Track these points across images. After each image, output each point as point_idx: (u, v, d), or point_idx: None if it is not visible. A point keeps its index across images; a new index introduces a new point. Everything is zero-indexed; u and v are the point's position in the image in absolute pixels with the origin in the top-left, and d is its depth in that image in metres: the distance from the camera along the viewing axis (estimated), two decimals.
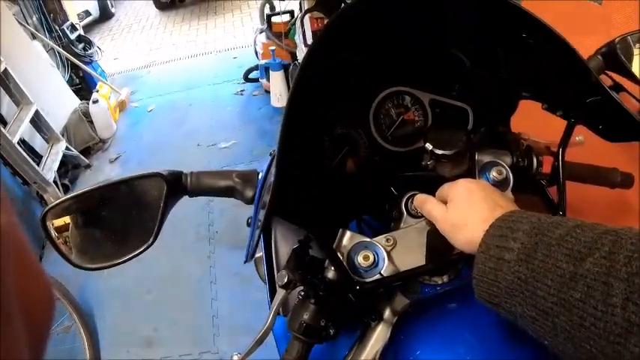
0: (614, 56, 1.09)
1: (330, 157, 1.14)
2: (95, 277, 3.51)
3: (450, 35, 1.08)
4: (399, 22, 1.03)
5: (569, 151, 1.02)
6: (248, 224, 0.98)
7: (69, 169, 5.08)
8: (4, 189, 0.38)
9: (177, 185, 1.00)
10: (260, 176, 1.12)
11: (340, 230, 0.93)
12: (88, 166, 5.21)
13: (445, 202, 0.86)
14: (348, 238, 0.91)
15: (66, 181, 4.80)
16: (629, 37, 1.10)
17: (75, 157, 5.08)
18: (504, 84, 1.14)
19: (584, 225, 0.63)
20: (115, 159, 5.28)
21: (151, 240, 0.91)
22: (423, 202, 0.90)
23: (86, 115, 5.48)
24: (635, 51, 1.11)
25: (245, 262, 0.99)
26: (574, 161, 1.15)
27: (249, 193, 1.06)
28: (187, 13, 10.36)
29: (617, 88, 1.49)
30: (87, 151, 5.39)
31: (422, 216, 0.93)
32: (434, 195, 0.91)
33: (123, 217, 0.94)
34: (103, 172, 5.10)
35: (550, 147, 1.13)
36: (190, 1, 10.01)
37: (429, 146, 0.98)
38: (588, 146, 1.14)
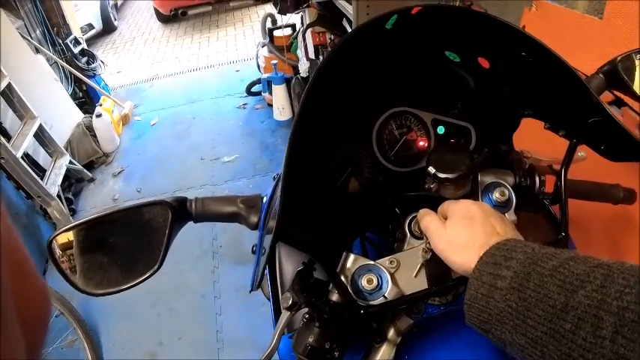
0: (615, 74, 1.09)
1: (334, 178, 1.15)
2: None
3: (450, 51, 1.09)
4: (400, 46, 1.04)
5: (571, 167, 1.03)
6: (253, 252, 0.98)
7: (72, 182, 5.09)
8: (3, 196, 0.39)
9: (182, 212, 1.00)
10: (264, 201, 1.12)
11: (344, 253, 0.92)
12: (92, 180, 5.20)
13: (445, 219, 0.86)
14: (351, 261, 0.91)
15: (69, 195, 4.80)
16: (631, 54, 1.11)
17: (78, 171, 5.08)
18: (506, 103, 1.14)
19: (578, 258, 0.64)
20: (119, 173, 5.28)
21: (157, 266, 0.91)
22: (423, 215, 0.91)
23: (89, 129, 5.50)
24: (638, 68, 1.11)
25: (250, 291, 0.98)
26: (576, 179, 1.16)
27: (253, 218, 1.06)
28: (190, 26, 10.42)
29: (619, 103, 1.50)
30: (90, 165, 5.39)
31: (425, 237, 0.93)
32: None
33: (129, 243, 0.95)
34: (106, 186, 5.10)
35: (552, 165, 1.13)
36: (193, 15, 10.03)
37: (431, 170, 0.98)
38: (590, 161, 1.14)
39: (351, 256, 0.92)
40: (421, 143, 1.20)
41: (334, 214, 1.13)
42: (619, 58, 1.09)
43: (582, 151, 1.08)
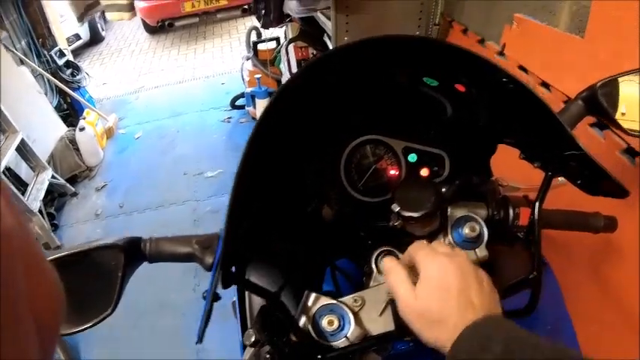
0: (595, 101, 1.06)
1: (304, 205, 1.12)
2: None
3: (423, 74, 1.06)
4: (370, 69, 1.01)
5: (552, 192, 0.99)
6: (203, 297, 0.94)
7: (55, 197, 5.05)
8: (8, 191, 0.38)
9: (135, 253, 0.97)
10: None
11: (305, 292, 0.89)
12: (75, 195, 5.16)
13: (412, 266, 0.82)
14: (312, 301, 0.88)
15: (52, 210, 4.77)
16: (611, 80, 1.08)
17: (61, 186, 5.04)
18: (482, 129, 1.11)
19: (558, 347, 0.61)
20: (102, 187, 5.24)
21: (110, 310, 0.88)
22: (389, 271, 0.84)
23: (73, 142, 5.46)
24: (620, 94, 1.08)
25: (196, 343, 0.93)
26: (553, 208, 1.12)
27: (209, 259, 1.01)
28: (177, 37, 10.40)
29: (602, 125, 1.47)
30: (73, 179, 5.34)
31: None
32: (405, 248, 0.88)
33: (81, 286, 0.91)
34: (89, 201, 5.06)
35: (528, 196, 1.09)
36: (180, 26, 10.00)
37: (395, 207, 0.94)
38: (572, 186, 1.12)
39: (312, 296, 0.88)
40: (392, 172, 1.17)
41: (307, 240, 1.11)
42: (599, 84, 1.06)
43: (562, 177, 1.05)
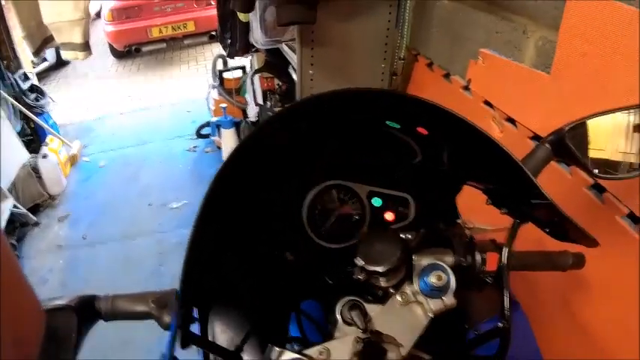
0: (563, 145, 1.05)
1: (264, 254, 1.09)
2: None
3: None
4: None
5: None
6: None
7: (16, 226, 4.89)
8: None
9: (89, 313, 0.92)
10: None
11: (268, 346, 0.86)
12: (37, 224, 5.03)
13: None
14: (276, 356, 0.84)
15: (13, 241, 4.64)
16: (579, 123, 1.06)
17: (23, 215, 4.90)
18: (447, 173, 1.10)
19: None
20: (64, 217, 5.13)
21: None
22: None
23: (35, 170, 5.31)
24: (589, 138, 1.07)
25: None
26: (522, 251, 1.10)
27: (166, 318, 0.97)
28: (144, 62, 10.32)
29: (568, 163, 1.47)
30: (35, 208, 5.21)
31: (356, 325, 0.87)
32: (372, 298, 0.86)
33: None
34: (51, 231, 4.94)
35: (496, 240, 1.08)
36: (147, 51, 9.96)
37: (359, 261, 0.92)
38: None
39: (275, 350, 0.84)
40: (356, 217, 1.15)
41: (272, 284, 1.10)
42: (567, 128, 1.04)
43: None
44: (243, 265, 1.10)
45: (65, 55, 3.64)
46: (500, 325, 0.94)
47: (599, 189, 1.39)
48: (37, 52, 4.06)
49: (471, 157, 1.00)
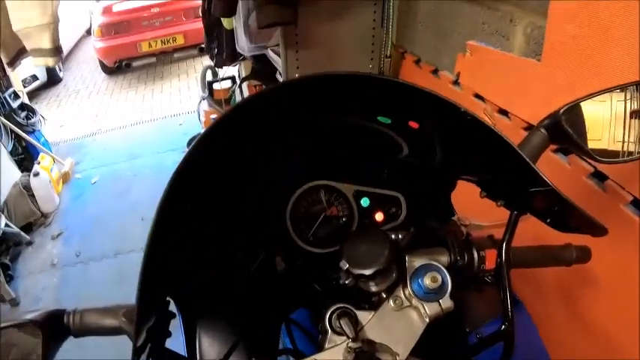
0: (559, 128, 0.97)
1: (247, 263, 1.03)
2: None
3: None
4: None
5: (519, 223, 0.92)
6: None
7: (10, 246, 4.85)
8: None
9: (57, 329, 0.86)
10: None
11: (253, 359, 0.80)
12: (30, 243, 4.99)
13: None
14: None
15: (6, 260, 4.59)
16: (575, 105, 0.99)
17: (15, 234, 4.84)
18: (439, 167, 1.03)
19: None
20: (58, 235, 5.09)
21: None
22: None
23: (27, 188, 5.27)
24: (585, 119, 1.00)
25: None
26: (522, 246, 1.03)
27: None
28: (134, 77, 10.29)
29: (567, 151, 1.41)
30: (28, 227, 5.17)
31: (346, 334, 0.80)
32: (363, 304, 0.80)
33: None
34: (45, 250, 4.90)
35: (494, 236, 1.01)
36: (137, 66, 9.94)
37: (344, 265, 0.85)
38: None
39: None
40: (344, 219, 1.08)
41: (257, 296, 1.03)
42: (562, 110, 0.98)
43: None
44: (228, 273, 1.04)
45: (35, 62, 3.57)
46: (503, 327, 0.88)
47: (600, 177, 1.32)
48: (12, 62, 3.98)
49: (465, 147, 0.93)
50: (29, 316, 0.81)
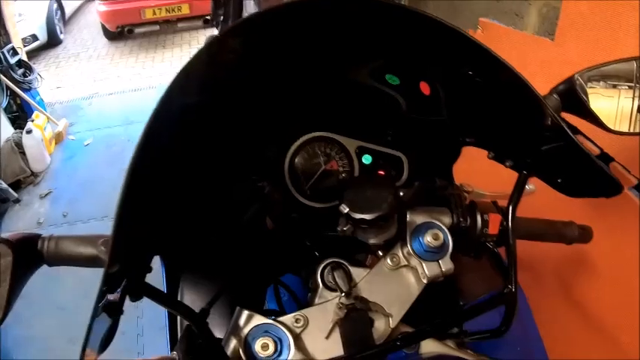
0: (573, 95, 0.94)
1: (238, 214, 0.98)
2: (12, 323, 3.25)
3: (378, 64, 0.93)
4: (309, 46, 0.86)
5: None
6: None
7: None
8: None
9: (29, 253, 0.80)
10: None
11: (237, 309, 0.76)
12: (17, 201, 4.92)
13: None
14: (244, 320, 0.74)
15: None
16: (590, 71, 0.95)
17: (4, 191, 4.78)
18: (445, 129, 0.99)
19: None
20: (46, 194, 5.03)
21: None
22: None
23: (19, 145, 5.21)
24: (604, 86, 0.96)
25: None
26: (524, 216, 1.00)
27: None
28: (136, 45, 10.18)
29: (573, 130, 1.37)
30: (17, 185, 5.10)
31: (339, 289, 0.76)
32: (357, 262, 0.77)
33: None
34: (32, 208, 4.85)
35: (497, 202, 0.97)
36: (140, 33, 9.83)
37: (344, 208, 0.81)
38: (541, 194, 1.00)
39: (244, 314, 0.74)
40: (343, 175, 1.04)
41: (247, 251, 0.99)
42: (576, 76, 0.94)
43: (531, 184, 0.93)
44: (218, 223, 1.00)
45: None
46: (505, 290, 0.84)
47: (605, 159, 1.29)
48: None
49: (477, 103, 0.89)
50: (3, 235, 0.76)
